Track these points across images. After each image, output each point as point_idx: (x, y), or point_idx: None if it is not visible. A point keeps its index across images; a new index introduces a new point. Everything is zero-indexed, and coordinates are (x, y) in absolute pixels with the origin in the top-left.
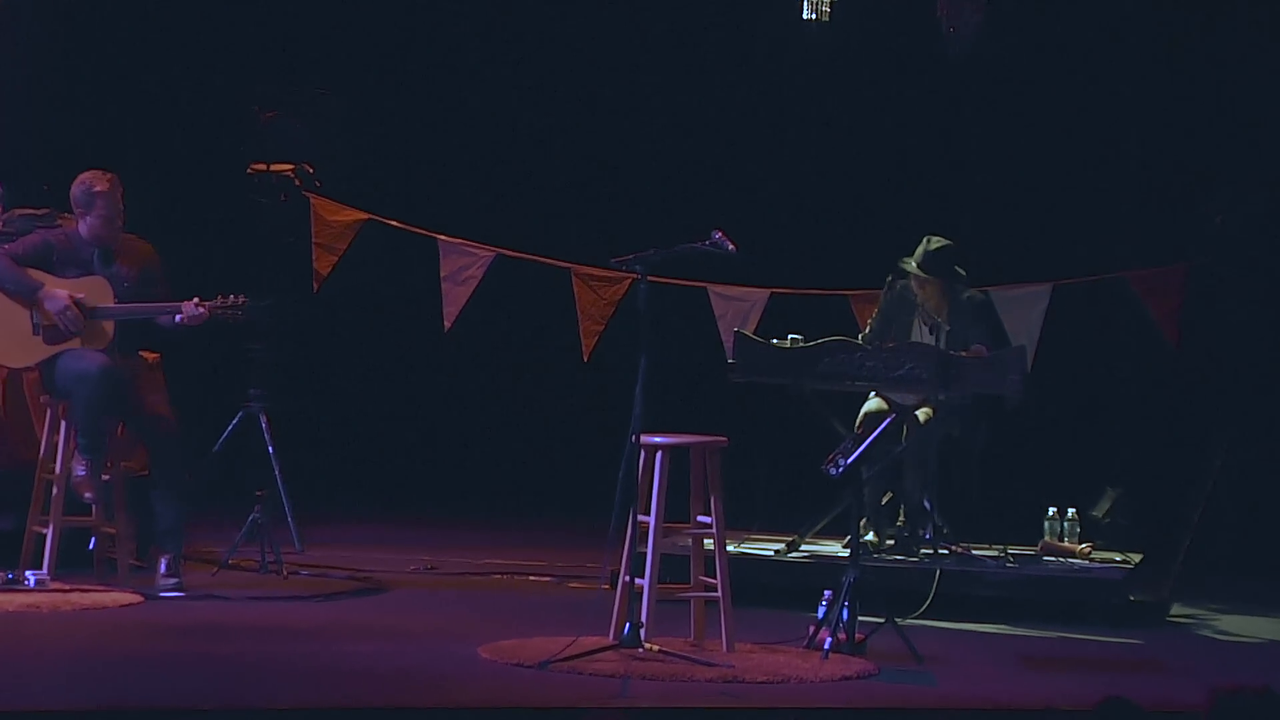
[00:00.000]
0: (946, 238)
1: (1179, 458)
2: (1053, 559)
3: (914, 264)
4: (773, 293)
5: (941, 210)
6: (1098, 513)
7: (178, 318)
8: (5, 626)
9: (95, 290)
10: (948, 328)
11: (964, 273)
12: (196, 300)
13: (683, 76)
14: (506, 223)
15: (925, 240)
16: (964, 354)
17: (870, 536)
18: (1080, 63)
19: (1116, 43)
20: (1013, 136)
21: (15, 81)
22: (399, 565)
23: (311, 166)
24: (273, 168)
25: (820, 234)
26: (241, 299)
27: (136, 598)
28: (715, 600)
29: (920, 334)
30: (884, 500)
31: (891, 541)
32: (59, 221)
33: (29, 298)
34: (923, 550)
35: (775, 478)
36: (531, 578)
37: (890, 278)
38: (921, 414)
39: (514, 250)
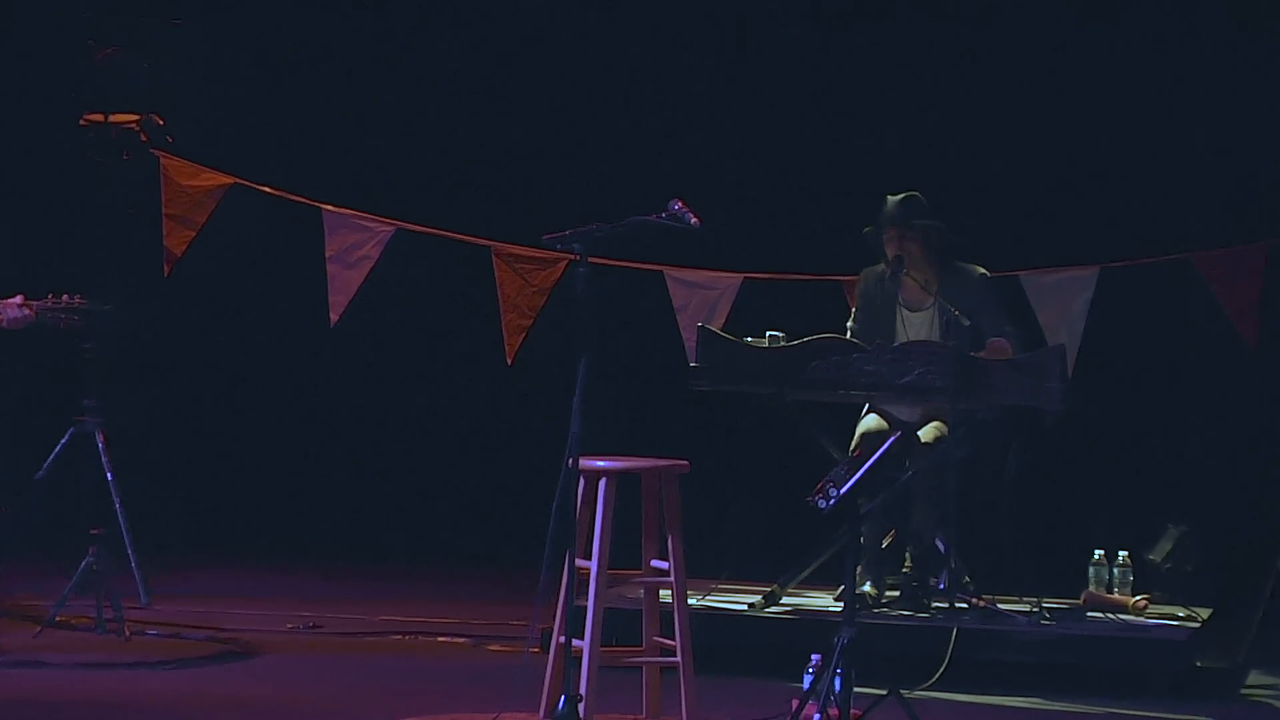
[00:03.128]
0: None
1: (1257, 487)
2: (1099, 615)
3: (886, 219)
4: (746, 278)
5: (958, 176)
6: (1155, 556)
7: None
8: None
9: None
10: (955, 310)
11: (942, 225)
12: (21, 299)
13: (633, 8)
14: (409, 189)
15: (886, 200)
16: (983, 352)
17: (869, 587)
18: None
19: None
20: (1046, 86)
21: None
22: (272, 623)
23: (161, 118)
24: (112, 119)
25: (806, 206)
26: (79, 299)
27: None
28: (674, 667)
29: (905, 330)
30: (887, 541)
31: (896, 593)
32: None
33: None
34: (936, 604)
35: (750, 512)
36: (441, 639)
37: (860, 275)
38: (926, 433)
39: (419, 224)
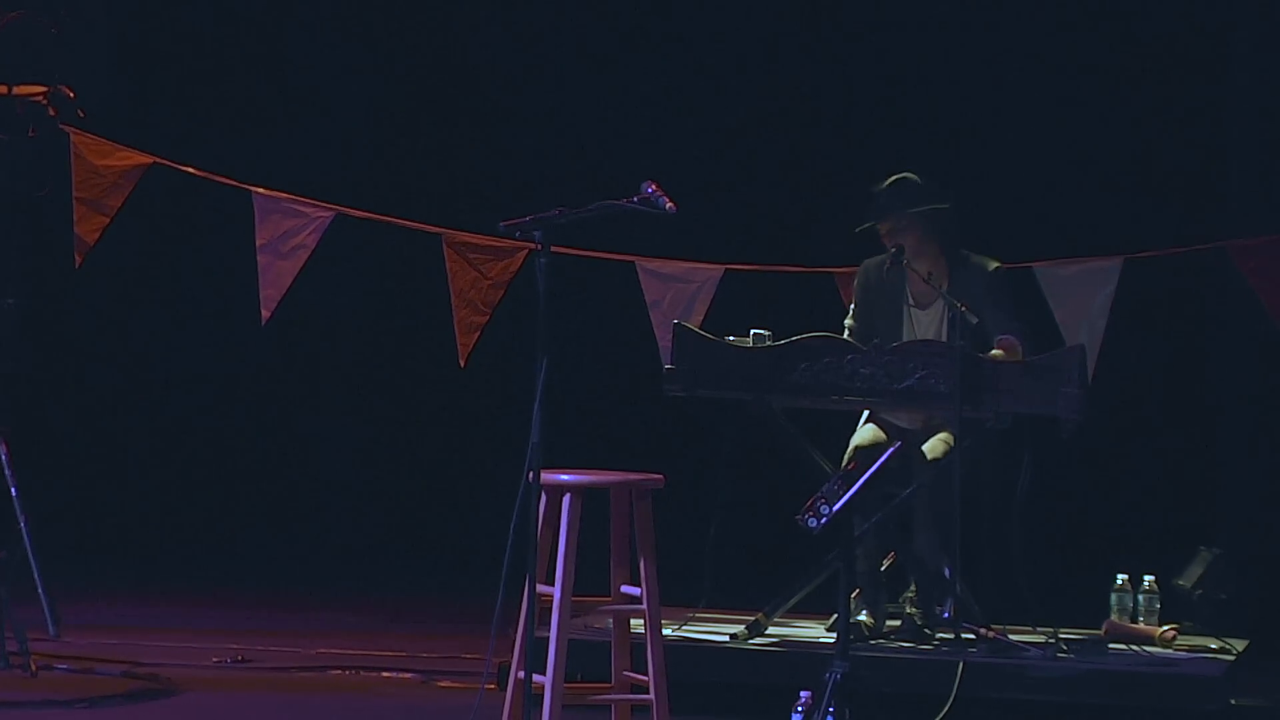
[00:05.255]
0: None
1: None
2: (1122, 647)
3: (874, 216)
4: (727, 269)
5: (964, 155)
6: (1185, 582)
7: None
8: None
9: None
10: (961, 305)
11: (945, 206)
12: None
13: None
14: (352, 171)
15: (877, 190)
16: (995, 353)
17: (865, 616)
18: None
19: None
20: (1062, 59)
21: None
22: (196, 657)
23: (72, 90)
24: (16, 91)
25: (794, 189)
26: None
27: None
28: (646, 705)
29: (914, 329)
30: (885, 565)
31: (895, 623)
32: None
33: None
34: (940, 635)
35: (731, 532)
36: (386, 674)
37: (860, 267)
38: (933, 446)
39: (361, 209)
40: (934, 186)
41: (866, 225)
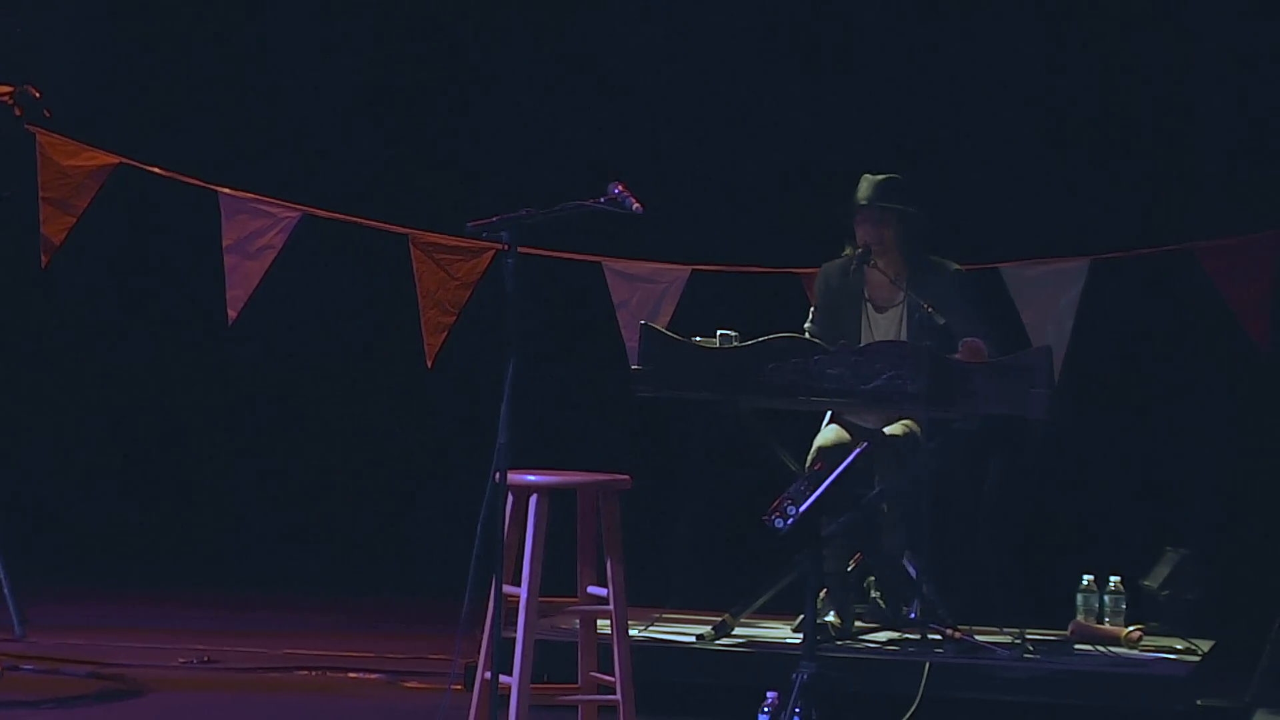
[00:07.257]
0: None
1: (1265, 506)
2: (1088, 647)
3: (862, 198)
4: (694, 270)
5: (931, 156)
6: (1152, 582)
7: None
8: None
9: None
10: (927, 305)
11: (923, 213)
12: None
13: None
14: (319, 171)
15: (863, 178)
16: (955, 356)
17: (832, 616)
18: None
19: None
20: (1028, 53)
21: None
22: (162, 657)
23: (38, 89)
24: None
25: (760, 190)
26: None
27: None
28: (613, 706)
29: (871, 331)
30: (852, 565)
31: (863, 606)
32: None
33: None
34: (906, 635)
35: (698, 533)
36: (353, 675)
37: (820, 270)
38: (893, 430)
39: (327, 209)
40: (921, 192)
41: (843, 207)
